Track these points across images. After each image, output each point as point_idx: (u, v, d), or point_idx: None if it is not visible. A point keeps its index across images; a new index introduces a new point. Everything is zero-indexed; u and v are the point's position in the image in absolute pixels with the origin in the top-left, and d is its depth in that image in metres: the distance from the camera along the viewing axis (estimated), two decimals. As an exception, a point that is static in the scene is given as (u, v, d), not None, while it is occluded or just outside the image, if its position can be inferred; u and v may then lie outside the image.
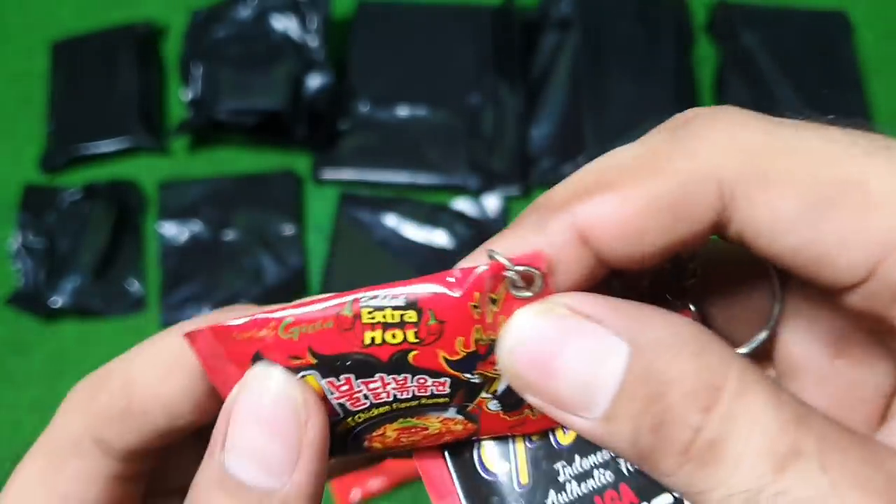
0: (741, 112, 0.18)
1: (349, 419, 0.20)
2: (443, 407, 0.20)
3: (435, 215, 0.81)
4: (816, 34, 0.87)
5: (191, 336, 0.19)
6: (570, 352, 0.17)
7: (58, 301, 0.78)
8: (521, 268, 0.17)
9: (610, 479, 0.20)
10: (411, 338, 0.18)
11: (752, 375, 0.16)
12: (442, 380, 0.19)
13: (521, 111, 0.84)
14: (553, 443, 0.21)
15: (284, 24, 0.85)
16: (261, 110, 0.81)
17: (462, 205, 0.82)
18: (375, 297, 0.17)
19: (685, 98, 0.84)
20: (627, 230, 0.17)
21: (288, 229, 0.81)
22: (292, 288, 0.78)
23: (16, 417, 0.75)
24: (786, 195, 0.16)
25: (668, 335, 0.16)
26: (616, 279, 0.20)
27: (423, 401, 0.19)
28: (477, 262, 0.18)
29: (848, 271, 0.16)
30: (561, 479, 0.20)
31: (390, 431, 0.20)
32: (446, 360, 0.18)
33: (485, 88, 0.85)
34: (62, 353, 0.77)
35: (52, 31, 0.91)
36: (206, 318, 0.20)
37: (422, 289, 0.17)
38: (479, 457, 0.21)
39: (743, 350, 0.21)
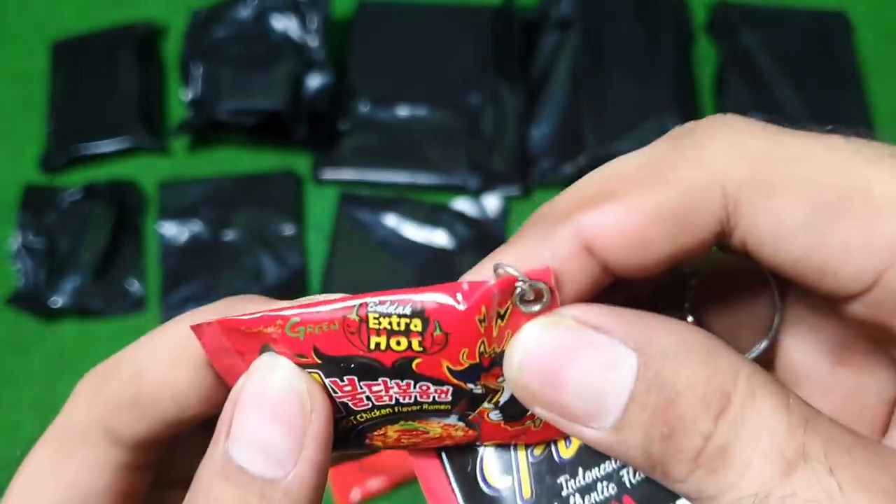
0: (744, 121, 0.18)
1: (352, 418, 0.20)
2: (444, 413, 0.20)
3: (435, 215, 0.81)
4: (816, 34, 0.87)
5: (198, 329, 0.19)
6: (579, 363, 0.17)
7: (58, 301, 0.78)
8: (530, 283, 0.17)
9: (613, 492, 0.20)
10: (416, 346, 0.18)
11: (760, 379, 0.16)
12: (444, 388, 0.19)
13: (521, 111, 0.84)
14: (555, 456, 0.21)
15: (284, 24, 0.85)
16: (261, 110, 0.81)
17: (462, 205, 0.82)
18: (383, 303, 0.17)
19: (685, 98, 0.84)
20: (632, 239, 0.17)
21: (288, 229, 0.81)
22: (292, 288, 0.78)
23: (16, 417, 0.75)
24: (790, 203, 0.16)
25: (676, 343, 0.16)
26: (618, 292, 0.20)
27: (426, 406, 0.19)
28: (484, 274, 0.18)
29: (852, 280, 0.17)
30: (564, 493, 0.20)
31: (392, 432, 0.21)
32: (449, 370, 0.18)
33: (485, 88, 0.85)
34: (62, 353, 0.77)
35: (52, 32, 0.91)
36: (215, 308, 0.20)
37: (429, 299, 0.17)
38: (482, 471, 0.21)
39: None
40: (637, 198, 0.17)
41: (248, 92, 0.82)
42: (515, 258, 0.18)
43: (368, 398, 0.19)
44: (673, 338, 0.17)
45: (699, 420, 0.16)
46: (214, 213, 0.82)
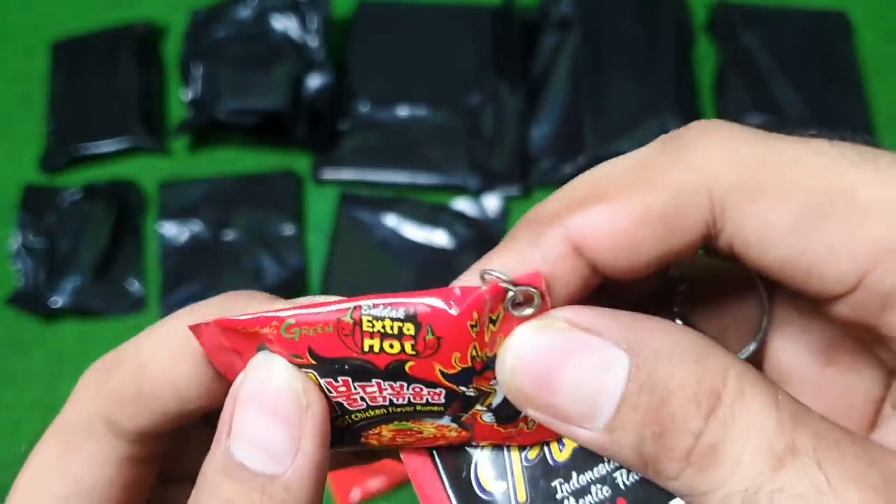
0: (732, 126, 0.18)
1: (347, 417, 0.20)
2: (438, 415, 0.20)
3: (435, 215, 0.81)
4: (816, 34, 0.87)
5: (196, 329, 0.19)
6: (571, 365, 0.17)
7: (58, 301, 0.78)
8: (520, 288, 0.18)
9: (607, 494, 0.20)
10: (408, 349, 0.18)
11: (749, 377, 0.16)
12: (437, 390, 0.19)
13: (521, 111, 0.84)
14: (549, 460, 0.21)
15: (284, 24, 0.85)
16: (261, 110, 0.81)
17: (462, 205, 0.82)
18: (377, 306, 0.18)
19: (685, 98, 0.84)
20: (620, 241, 0.17)
21: (288, 229, 0.81)
22: (292, 288, 0.78)
23: (16, 417, 0.75)
24: (776, 206, 0.17)
25: (667, 343, 0.17)
26: (607, 296, 0.20)
27: (419, 407, 0.20)
28: (476, 280, 0.18)
29: (837, 281, 0.17)
30: (559, 496, 0.20)
31: (386, 431, 0.21)
32: (442, 373, 0.18)
33: (485, 88, 0.85)
34: (62, 353, 0.77)
35: (52, 31, 0.91)
36: (214, 303, 0.21)
37: (422, 303, 0.18)
38: (476, 476, 0.21)
39: None
40: (625, 200, 0.17)
41: (248, 92, 0.82)
42: (506, 261, 0.18)
43: (363, 398, 0.19)
44: (664, 338, 0.17)
45: (690, 419, 0.16)
46: (214, 213, 0.82)
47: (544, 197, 0.19)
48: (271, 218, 0.82)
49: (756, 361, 0.21)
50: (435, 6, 0.90)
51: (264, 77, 0.82)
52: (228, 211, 0.82)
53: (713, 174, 0.17)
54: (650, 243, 0.17)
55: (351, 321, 0.18)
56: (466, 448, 0.22)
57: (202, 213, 0.82)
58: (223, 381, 0.20)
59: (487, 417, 0.20)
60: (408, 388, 0.19)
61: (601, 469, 0.20)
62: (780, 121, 0.80)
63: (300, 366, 0.19)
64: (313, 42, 0.84)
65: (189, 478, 0.20)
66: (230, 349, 0.19)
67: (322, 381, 0.19)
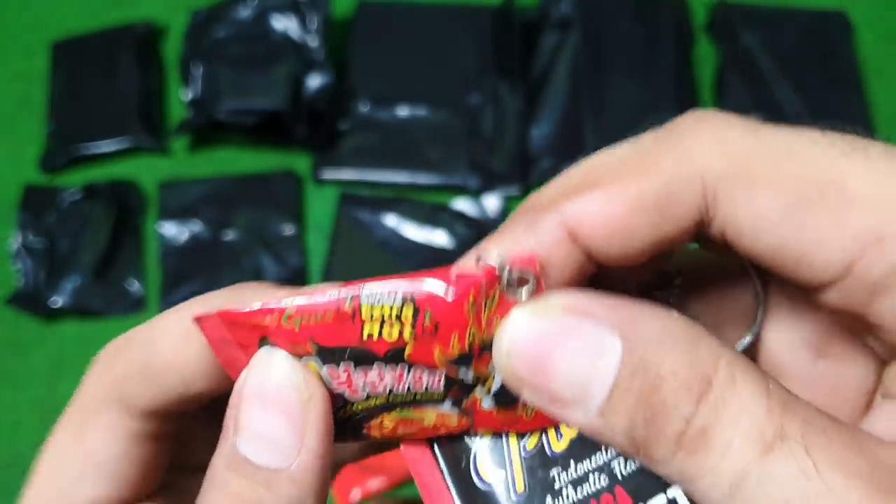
0: (726, 116, 0.18)
1: (348, 408, 0.20)
2: (438, 402, 0.20)
3: (435, 215, 0.81)
4: (816, 34, 0.87)
5: (199, 320, 0.19)
6: (565, 349, 0.17)
7: (58, 301, 0.78)
8: (515, 271, 0.18)
9: (605, 483, 0.20)
10: (407, 334, 0.18)
11: (740, 365, 0.17)
12: (437, 376, 0.19)
13: (521, 111, 0.84)
14: (547, 450, 0.21)
15: (284, 24, 0.85)
16: (261, 110, 0.81)
17: (462, 205, 0.82)
18: (375, 293, 0.18)
19: (685, 98, 0.84)
20: (615, 227, 0.18)
21: (288, 229, 0.81)
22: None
23: (16, 417, 0.75)
24: (766, 195, 0.17)
25: (660, 330, 0.17)
26: (602, 289, 0.20)
27: (419, 395, 0.20)
28: (472, 264, 0.18)
29: (826, 269, 0.17)
30: (557, 485, 0.21)
31: (388, 421, 0.21)
32: (441, 358, 0.19)
33: (485, 88, 0.85)
34: (62, 353, 0.77)
35: (52, 31, 0.91)
36: (222, 294, 0.21)
37: (420, 288, 0.18)
38: (475, 466, 0.22)
39: None
40: (620, 187, 0.18)
41: (248, 92, 0.82)
42: (503, 246, 0.18)
43: (364, 387, 0.20)
44: (657, 325, 0.17)
45: (681, 404, 0.16)
46: (214, 213, 0.82)
47: (544, 196, 0.19)
48: (271, 218, 0.82)
49: (750, 354, 0.22)
50: (435, 6, 0.90)
51: (264, 77, 0.82)
52: (228, 211, 0.82)
53: (706, 163, 0.18)
54: (644, 230, 0.18)
55: (350, 309, 0.18)
56: (465, 439, 0.22)
57: (202, 213, 0.82)
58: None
59: (487, 403, 0.20)
60: (408, 375, 0.19)
61: (599, 458, 0.21)
62: (780, 121, 0.80)
63: (302, 356, 0.19)
64: (313, 42, 0.84)
65: (199, 468, 0.20)
66: (233, 342, 0.19)
67: (324, 371, 0.19)
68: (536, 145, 0.83)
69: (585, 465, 0.21)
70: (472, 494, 0.21)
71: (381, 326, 0.18)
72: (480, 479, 0.21)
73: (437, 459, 0.22)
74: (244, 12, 0.86)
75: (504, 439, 0.21)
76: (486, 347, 0.19)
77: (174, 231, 0.81)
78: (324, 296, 0.18)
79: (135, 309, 0.79)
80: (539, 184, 0.84)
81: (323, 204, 0.83)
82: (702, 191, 0.18)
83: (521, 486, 0.21)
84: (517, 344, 0.18)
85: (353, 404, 0.20)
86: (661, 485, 0.19)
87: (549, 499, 0.20)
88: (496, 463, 0.21)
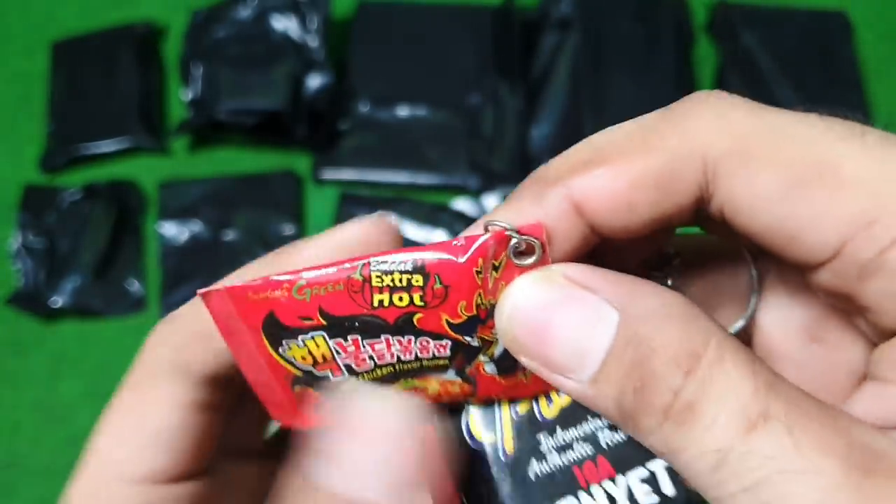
0: (729, 97, 0.19)
1: (354, 379, 0.21)
2: (443, 369, 0.20)
3: (435, 215, 0.81)
4: (816, 34, 0.87)
5: (205, 295, 0.19)
6: (563, 318, 0.18)
7: (58, 301, 0.78)
8: (522, 239, 0.19)
9: (589, 452, 0.21)
10: (417, 301, 0.19)
11: (730, 345, 0.17)
12: (443, 342, 0.20)
13: (521, 111, 0.84)
14: (537, 415, 0.22)
15: (284, 24, 0.85)
16: (261, 110, 0.81)
17: (462, 205, 0.82)
18: (385, 261, 0.18)
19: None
20: (619, 202, 0.18)
21: (288, 229, 0.81)
22: (292, 288, 0.78)
23: (16, 418, 0.75)
24: (764, 175, 0.18)
25: (657, 305, 0.18)
26: (604, 265, 0.21)
27: (425, 363, 0.20)
28: (480, 230, 0.19)
29: (818, 248, 0.18)
30: (542, 448, 0.21)
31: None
32: (448, 323, 0.19)
33: (485, 88, 0.85)
34: (62, 353, 0.77)
35: (52, 31, 0.91)
36: (260, 263, 0.22)
37: (429, 254, 0.18)
38: (468, 426, 0.22)
39: None
40: (624, 164, 0.18)
41: (248, 92, 0.82)
42: (510, 216, 0.19)
43: (371, 357, 0.20)
44: (654, 300, 0.18)
45: (670, 376, 0.17)
46: (214, 213, 0.82)
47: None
48: (271, 218, 0.82)
49: (746, 336, 0.22)
50: (435, 6, 0.90)
51: (264, 77, 0.82)
52: (228, 211, 0.82)
53: (707, 141, 0.18)
54: (646, 205, 0.18)
55: (360, 278, 0.18)
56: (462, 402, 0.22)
57: (202, 213, 0.82)
58: None
59: (489, 368, 0.21)
60: (415, 342, 0.19)
61: (586, 428, 0.21)
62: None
63: (310, 328, 0.19)
64: (313, 42, 0.84)
65: (237, 452, 0.22)
66: (237, 316, 0.19)
67: (332, 343, 0.19)
68: (536, 145, 0.83)
69: (572, 434, 0.21)
70: (462, 453, 0.22)
71: (392, 294, 0.19)
72: (472, 438, 0.22)
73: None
74: (244, 12, 0.86)
75: (497, 403, 0.22)
76: (492, 313, 0.19)
77: (174, 231, 0.81)
78: (333, 267, 0.19)
79: (135, 309, 0.79)
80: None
81: (323, 204, 0.83)
82: (703, 168, 0.18)
83: (510, 448, 0.22)
84: (519, 309, 0.18)
85: (359, 375, 0.21)
86: (643, 457, 0.20)
87: (534, 461, 0.21)
88: (487, 425, 0.22)
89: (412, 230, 0.80)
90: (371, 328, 0.19)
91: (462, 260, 0.18)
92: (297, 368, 0.20)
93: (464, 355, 0.20)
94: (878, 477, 0.15)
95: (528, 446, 0.21)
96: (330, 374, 0.21)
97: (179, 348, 0.21)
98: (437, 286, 0.18)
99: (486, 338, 0.20)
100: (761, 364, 0.17)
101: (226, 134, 0.85)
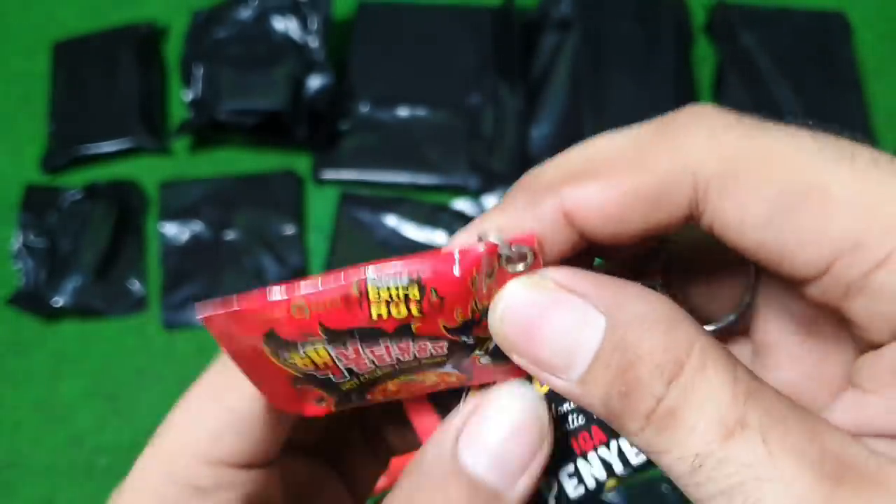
0: (721, 115, 0.19)
1: (354, 379, 0.21)
2: (440, 364, 0.21)
3: (435, 216, 0.81)
4: (815, 35, 0.87)
5: (207, 319, 0.20)
6: (553, 321, 0.19)
7: (59, 301, 0.78)
8: (515, 247, 0.19)
9: (582, 422, 0.22)
10: (415, 311, 0.19)
11: (712, 352, 0.18)
12: (441, 343, 0.20)
13: (521, 111, 0.84)
14: None
15: (285, 24, 0.86)
16: (261, 111, 0.81)
17: (462, 205, 0.82)
18: (381, 277, 0.19)
19: (685, 98, 0.84)
20: (610, 214, 0.19)
21: (288, 229, 0.81)
22: (293, 288, 0.78)
23: (16, 417, 0.75)
24: (752, 197, 0.18)
25: (642, 311, 0.18)
26: (597, 255, 0.21)
27: (424, 361, 0.21)
28: (472, 238, 0.20)
29: (805, 267, 0.18)
30: None
31: (392, 386, 0.22)
32: (445, 328, 0.20)
33: (485, 88, 0.85)
34: (63, 353, 0.77)
35: (53, 32, 0.91)
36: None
37: (425, 268, 0.19)
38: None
39: (711, 328, 0.23)
40: (617, 178, 0.19)
41: (248, 92, 0.82)
42: (503, 222, 0.20)
43: (371, 361, 0.20)
44: (640, 306, 0.18)
45: (654, 383, 0.17)
46: (215, 213, 0.82)
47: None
48: (272, 218, 0.82)
49: (743, 328, 0.23)
50: (435, 6, 0.90)
51: (265, 77, 0.82)
52: (229, 211, 0.82)
53: (698, 162, 0.19)
54: (636, 219, 0.19)
55: (358, 293, 0.19)
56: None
57: (203, 213, 0.82)
58: None
59: (484, 360, 0.21)
60: (413, 346, 0.20)
61: None
62: (779, 121, 0.81)
63: (311, 341, 0.20)
64: (314, 42, 0.85)
65: (290, 447, 0.22)
66: (238, 335, 0.20)
67: (332, 351, 0.20)
68: (536, 145, 0.84)
69: (565, 407, 0.22)
70: None
71: (389, 306, 0.19)
72: None
73: (434, 406, 0.24)
74: (245, 13, 0.87)
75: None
76: (485, 315, 0.20)
77: (175, 231, 0.82)
78: (329, 283, 0.19)
79: (136, 309, 0.79)
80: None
81: (323, 204, 0.83)
82: (693, 188, 0.19)
83: None
84: (510, 311, 0.19)
85: (359, 376, 0.21)
86: None
87: None
88: None
89: (412, 230, 0.80)
90: (370, 336, 0.20)
91: (457, 273, 0.19)
92: (299, 371, 0.21)
93: (460, 352, 0.21)
94: (848, 485, 0.16)
95: None
96: (331, 376, 0.21)
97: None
98: (434, 298, 0.19)
99: (481, 336, 0.20)
100: (742, 370, 0.18)
101: (226, 134, 0.85)
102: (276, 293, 0.19)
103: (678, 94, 0.84)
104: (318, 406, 0.22)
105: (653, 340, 0.18)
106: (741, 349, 0.23)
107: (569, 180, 0.19)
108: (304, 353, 0.20)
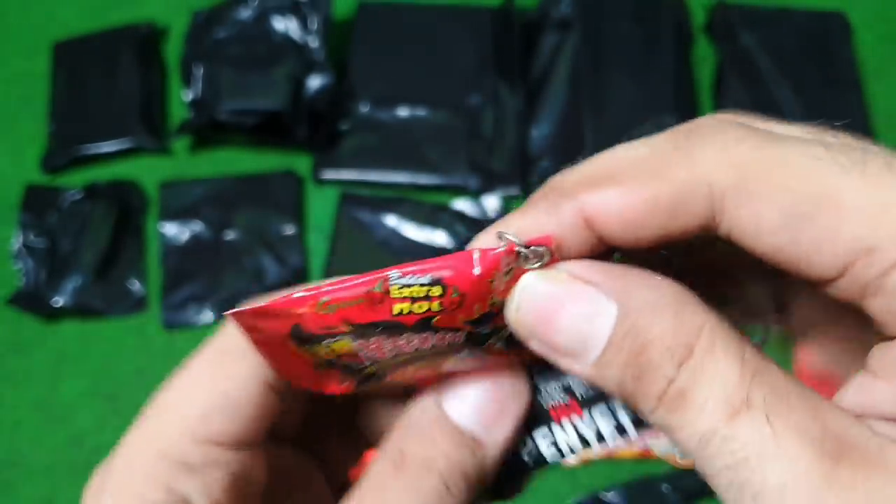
0: (739, 127, 0.20)
1: (375, 365, 0.22)
2: (458, 350, 0.22)
3: (435, 215, 0.81)
4: (815, 35, 0.87)
5: (235, 315, 0.21)
6: (567, 310, 0.20)
7: (59, 301, 0.78)
8: (533, 247, 0.20)
9: (561, 393, 0.24)
10: (435, 307, 0.20)
11: (721, 333, 0.19)
12: (459, 333, 0.21)
13: (521, 111, 0.84)
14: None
15: (285, 24, 0.86)
16: (261, 111, 0.81)
17: (462, 205, 0.82)
18: (404, 275, 0.20)
19: (685, 98, 0.84)
20: (628, 221, 0.20)
21: (288, 229, 0.81)
22: (293, 288, 0.79)
23: (16, 417, 0.75)
24: (767, 206, 0.19)
25: (652, 297, 0.19)
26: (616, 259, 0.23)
27: (442, 349, 0.22)
28: (492, 239, 0.21)
29: (822, 270, 0.19)
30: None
31: (410, 370, 0.23)
32: (464, 321, 0.21)
33: (485, 88, 0.85)
34: (63, 353, 0.77)
35: (53, 32, 0.91)
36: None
37: (447, 269, 0.20)
38: None
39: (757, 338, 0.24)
40: (636, 186, 0.20)
41: (248, 92, 0.82)
42: (525, 224, 0.21)
43: (392, 350, 0.22)
44: (650, 292, 0.19)
45: (664, 366, 0.19)
46: (215, 213, 0.82)
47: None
48: (272, 218, 0.82)
49: (786, 305, 0.25)
50: (435, 6, 0.90)
51: (265, 77, 0.82)
52: (229, 211, 0.82)
53: (713, 173, 0.20)
54: (654, 227, 0.20)
55: (381, 291, 0.20)
56: None
57: (203, 213, 0.82)
58: None
59: (500, 345, 0.23)
60: (433, 337, 0.21)
61: (563, 381, 0.24)
62: (779, 121, 0.81)
63: (335, 334, 0.21)
64: (314, 43, 0.85)
65: (278, 435, 0.23)
66: (266, 332, 0.21)
67: (355, 343, 0.21)
68: (536, 145, 0.84)
69: (546, 376, 0.24)
70: None
71: (412, 303, 0.20)
72: None
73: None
74: (245, 13, 0.87)
75: None
76: (503, 308, 0.21)
77: (175, 231, 0.82)
78: (354, 282, 0.20)
79: (136, 309, 0.79)
80: (539, 184, 0.84)
81: (323, 204, 0.83)
82: (709, 199, 0.20)
83: None
84: (527, 301, 0.20)
85: (380, 363, 0.22)
86: (606, 397, 0.23)
87: None
88: None
89: (412, 230, 0.80)
90: (392, 330, 0.21)
91: (477, 272, 0.20)
92: (322, 359, 0.22)
93: (477, 340, 0.22)
94: (848, 463, 0.17)
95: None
96: (353, 363, 0.22)
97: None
98: (455, 295, 0.20)
99: (498, 325, 0.22)
100: (750, 350, 0.19)
101: (226, 134, 0.85)
102: (302, 292, 0.20)
103: (678, 94, 0.84)
104: (339, 386, 0.23)
105: (663, 325, 0.19)
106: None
107: (589, 186, 0.21)
108: (328, 344, 0.21)
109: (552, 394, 0.24)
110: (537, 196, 0.22)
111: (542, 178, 0.91)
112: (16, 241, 0.81)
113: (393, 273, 0.20)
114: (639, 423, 0.23)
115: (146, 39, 0.90)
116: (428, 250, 0.79)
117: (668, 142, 0.21)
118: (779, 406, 0.18)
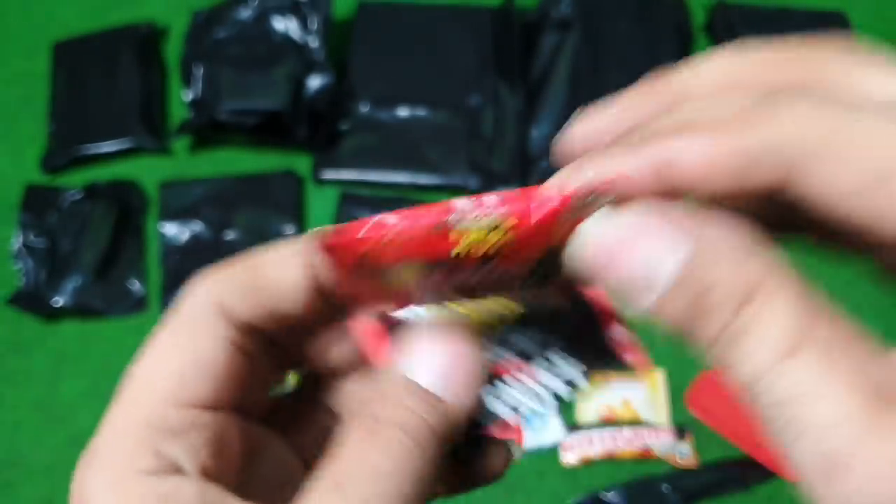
0: (820, 100, 0.21)
1: (433, 296, 0.24)
2: (510, 290, 0.24)
3: (435, 215, 0.81)
4: (815, 35, 0.87)
5: (319, 242, 0.21)
6: (636, 246, 0.20)
7: (59, 301, 0.78)
8: (602, 191, 0.21)
9: (511, 354, 0.25)
10: (494, 251, 0.21)
11: (785, 280, 0.19)
12: (516, 273, 0.22)
13: (521, 111, 0.84)
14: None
15: (285, 24, 0.86)
16: (261, 111, 0.81)
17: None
18: (465, 219, 0.20)
19: (685, 98, 0.84)
20: (708, 169, 0.21)
21: (288, 229, 0.81)
22: (293, 288, 0.79)
23: (16, 417, 0.75)
24: (842, 172, 0.20)
25: (721, 239, 0.20)
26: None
27: (497, 287, 0.23)
28: (565, 181, 0.21)
29: (884, 235, 0.20)
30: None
31: (466, 301, 0.24)
32: (522, 262, 0.22)
33: (485, 89, 0.85)
34: (63, 353, 0.77)
35: (53, 32, 0.91)
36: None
37: (505, 216, 0.21)
38: None
39: None
40: (721, 137, 0.21)
41: (248, 92, 0.82)
42: (604, 164, 0.21)
43: (451, 283, 0.22)
44: (719, 234, 0.20)
45: (725, 308, 0.19)
46: (215, 213, 0.82)
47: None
48: (272, 218, 0.82)
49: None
50: (435, 6, 0.90)
51: (265, 77, 0.82)
52: (229, 211, 0.82)
53: (792, 136, 0.20)
54: (729, 179, 0.21)
55: (441, 233, 0.21)
56: None
57: (203, 213, 0.82)
58: (319, 296, 0.24)
59: (553, 278, 0.23)
60: (492, 274, 0.22)
61: (520, 345, 0.26)
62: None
63: (396, 268, 0.22)
64: (314, 43, 0.85)
65: (246, 410, 0.24)
66: (337, 264, 0.22)
67: (416, 277, 0.22)
68: (536, 145, 0.84)
69: (498, 339, 0.25)
70: None
71: (471, 245, 0.21)
72: None
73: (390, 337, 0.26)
74: (245, 13, 0.87)
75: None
76: (561, 248, 0.22)
77: (175, 231, 0.82)
78: (420, 218, 0.21)
79: (136, 309, 0.79)
80: (539, 184, 0.84)
81: (323, 204, 0.83)
82: (785, 162, 0.20)
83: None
84: (594, 238, 0.21)
85: (439, 293, 0.23)
86: (542, 351, 0.25)
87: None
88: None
89: (412, 230, 0.80)
90: (453, 267, 0.22)
91: (536, 219, 0.21)
92: (386, 288, 0.23)
93: (531, 279, 0.23)
94: (892, 409, 0.17)
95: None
96: (415, 292, 0.23)
97: (226, 293, 0.24)
98: (514, 240, 0.21)
99: (556, 263, 0.22)
100: (812, 296, 0.19)
101: (226, 134, 0.85)
102: (366, 229, 0.21)
103: (678, 94, 0.84)
104: (407, 302, 0.24)
105: (728, 268, 0.19)
106: None
107: (675, 131, 0.21)
108: (391, 276, 0.22)
109: (505, 354, 0.25)
110: (620, 138, 0.22)
111: (543, 178, 0.90)
112: (16, 241, 0.81)
113: (454, 217, 0.20)
114: (588, 375, 0.24)
115: (146, 39, 0.90)
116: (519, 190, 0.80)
117: (754, 101, 0.21)
118: (832, 353, 0.18)
